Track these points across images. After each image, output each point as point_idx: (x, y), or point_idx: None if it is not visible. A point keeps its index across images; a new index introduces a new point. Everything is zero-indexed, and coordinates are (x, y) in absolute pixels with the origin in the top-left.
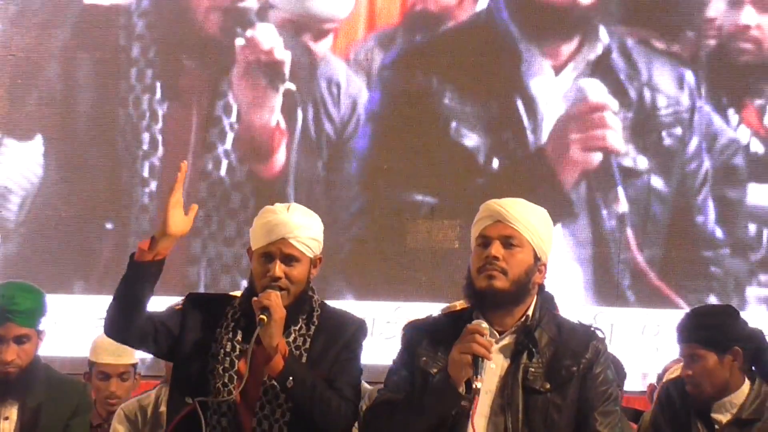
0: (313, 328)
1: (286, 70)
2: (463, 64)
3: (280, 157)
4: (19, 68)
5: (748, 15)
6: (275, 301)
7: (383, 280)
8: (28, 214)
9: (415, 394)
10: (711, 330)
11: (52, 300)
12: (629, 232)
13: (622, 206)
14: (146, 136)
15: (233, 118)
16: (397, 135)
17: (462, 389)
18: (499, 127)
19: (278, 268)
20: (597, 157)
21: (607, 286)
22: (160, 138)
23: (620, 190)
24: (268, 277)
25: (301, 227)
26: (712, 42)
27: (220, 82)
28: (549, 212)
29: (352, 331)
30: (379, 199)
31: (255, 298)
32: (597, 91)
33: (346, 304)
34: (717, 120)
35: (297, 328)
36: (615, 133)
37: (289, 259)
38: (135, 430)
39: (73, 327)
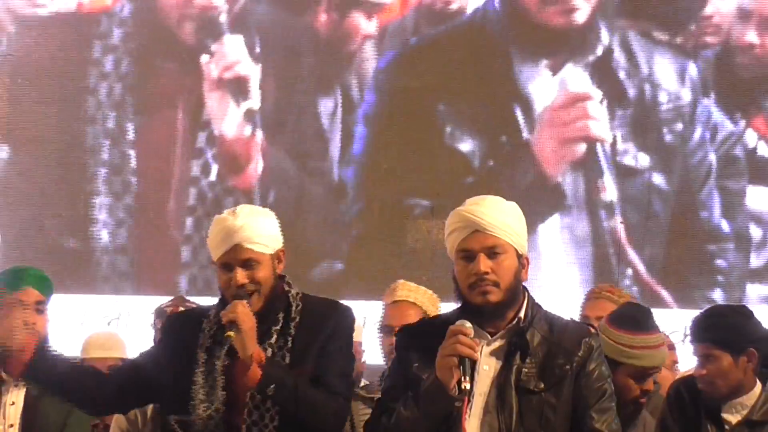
0: (292, 325)
1: (252, 85)
2: (459, 66)
3: (255, 167)
4: (20, 68)
5: (753, 36)
6: (241, 311)
7: (383, 280)
8: (27, 213)
9: (410, 400)
10: (726, 330)
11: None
12: (629, 230)
13: (610, 194)
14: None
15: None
16: (394, 136)
17: (454, 391)
18: (496, 127)
19: (239, 276)
20: (581, 148)
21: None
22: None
23: (608, 178)
24: (233, 287)
25: (251, 228)
26: (716, 40)
27: (200, 88)
28: (549, 210)
29: (336, 319)
30: (378, 199)
31: (222, 312)
32: (579, 81)
33: (348, 305)
34: (718, 114)
35: (277, 328)
36: (598, 122)
37: (249, 264)
38: (134, 430)
39: (72, 326)
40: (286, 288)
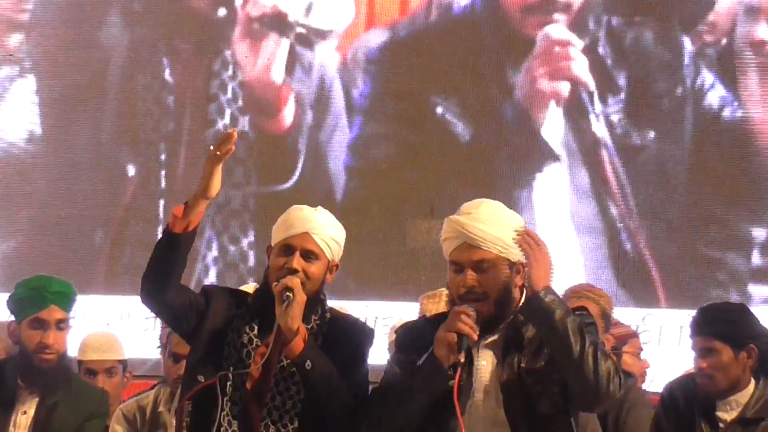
0: (325, 328)
1: (291, 19)
2: (452, 59)
3: (288, 113)
4: (20, 68)
5: (764, 31)
6: (298, 283)
7: (383, 280)
8: (28, 213)
9: (405, 380)
10: (728, 325)
11: None
12: (631, 228)
13: (600, 130)
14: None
15: (229, 94)
16: (394, 133)
17: (450, 370)
18: (493, 122)
19: (296, 261)
20: (566, 87)
21: (607, 284)
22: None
23: (592, 118)
24: (286, 269)
25: (325, 225)
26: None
27: (214, 60)
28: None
29: (362, 338)
30: (378, 199)
31: (276, 283)
32: (559, 30)
33: (346, 304)
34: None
35: (309, 327)
36: (579, 64)
37: (309, 255)
38: (134, 431)
39: (73, 327)
40: (322, 297)
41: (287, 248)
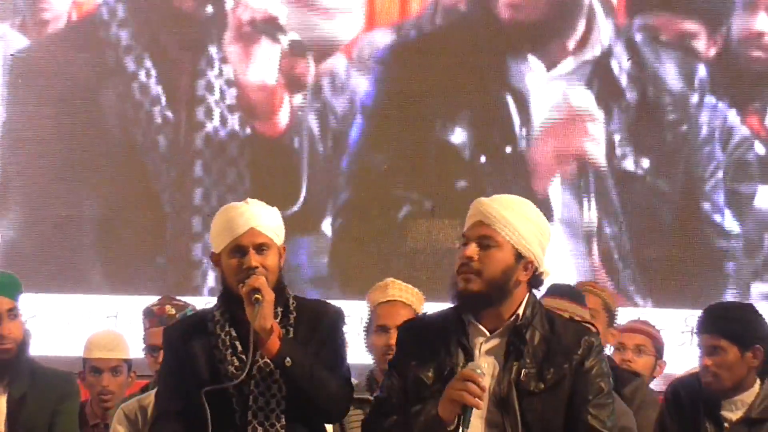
0: (291, 318)
1: (283, 23)
2: (456, 60)
3: (283, 116)
4: (19, 68)
5: (762, 21)
6: (264, 282)
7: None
8: (28, 213)
9: (408, 418)
10: (736, 324)
11: (52, 299)
12: (630, 234)
13: (592, 215)
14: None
15: (218, 96)
16: (394, 132)
17: (452, 426)
18: (494, 123)
19: (254, 258)
20: (573, 166)
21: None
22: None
23: (593, 199)
24: (245, 270)
25: (264, 215)
26: (720, 41)
27: (199, 59)
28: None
29: (333, 318)
30: (377, 199)
31: (242, 285)
32: (582, 98)
33: (347, 304)
34: (730, 115)
35: (277, 320)
36: (595, 144)
37: (261, 248)
38: (135, 430)
39: (72, 327)
40: (283, 284)
41: (238, 249)
